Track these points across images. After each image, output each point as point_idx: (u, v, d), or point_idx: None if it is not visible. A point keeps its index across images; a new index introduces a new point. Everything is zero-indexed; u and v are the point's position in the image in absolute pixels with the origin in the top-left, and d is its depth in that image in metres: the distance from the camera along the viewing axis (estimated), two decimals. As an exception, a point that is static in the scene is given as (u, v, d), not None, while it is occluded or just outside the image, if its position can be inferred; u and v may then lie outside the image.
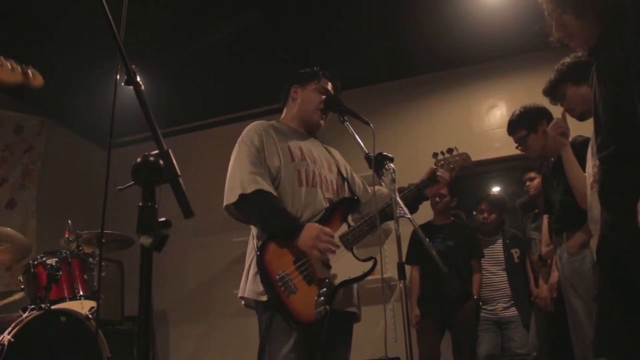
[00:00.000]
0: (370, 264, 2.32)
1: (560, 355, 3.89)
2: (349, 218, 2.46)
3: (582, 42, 1.91)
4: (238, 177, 2.29)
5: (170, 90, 5.01)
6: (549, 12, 1.99)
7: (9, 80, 2.10)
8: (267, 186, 2.27)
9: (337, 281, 2.25)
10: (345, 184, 2.61)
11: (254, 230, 2.41)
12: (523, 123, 3.12)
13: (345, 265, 2.29)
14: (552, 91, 2.88)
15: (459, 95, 5.36)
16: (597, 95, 1.84)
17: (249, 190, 2.24)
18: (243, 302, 2.36)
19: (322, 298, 2.17)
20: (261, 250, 2.24)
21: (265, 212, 2.27)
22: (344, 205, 2.45)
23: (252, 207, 2.29)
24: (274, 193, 2.30)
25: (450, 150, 2.62)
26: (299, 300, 2.17)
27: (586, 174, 2.62)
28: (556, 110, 3.05)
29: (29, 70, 2.14)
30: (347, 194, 2.59)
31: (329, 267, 2.26)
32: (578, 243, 2.84)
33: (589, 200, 2.56)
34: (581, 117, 2.81)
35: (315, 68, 2.64)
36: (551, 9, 1.97)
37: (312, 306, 2.17)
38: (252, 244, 2.38)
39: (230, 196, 2.29)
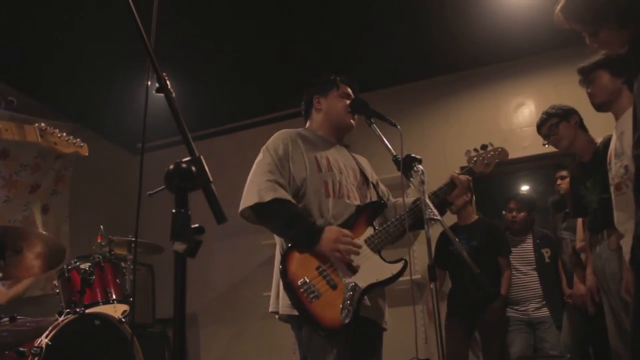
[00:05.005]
0: (399, 265, 2.27)
1: (595, 354, 3.82)
2: (376, 222, 2.41)
3: (618, 47, 1.91)
4: (256, 185, 2.29)
5: (198, 93, 5.04)
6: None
7: (65, 151, 2.47)
8: (285, 194, 2.26)
9: (364, 285, 2.20)
10: (372, 191, 2.57)
11: (277, 240, 2.41)
12: (555, 113, 3.14)
13: (372, 268, 2.25)
14: (588, 71, 2.84)
15: (487, 94, 5.29)
16: (636, 92, 1.82)
17: (267, 198, 2.23)
18: (277, 316, 2.34)
19: (348, 302, 2.11)
20: (283, 260, 2.24)
21: (284, 220, 2.27)
22: (369, 210, 2.41)
23: (270, 215, 2.29)
24: (292, 201, 2.29)
25: (484, 147, 2.54)
26: (323, 306, 2.13)
27: (610, 176, 2.58)
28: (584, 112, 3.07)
29: (78, 142, 2.52)
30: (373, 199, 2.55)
31: (355, 270, 2.22)
32: (620, 239, 2.80)
33: (614, 204, 2.53)
34: (599, 107, 2.80)
35: (331, 76, 2.62)
36: (573, 26, 1.99)
37: (338, 311, 2.11)
38: (279, 255, 2.37)
39: (246, 203, 2.29)
